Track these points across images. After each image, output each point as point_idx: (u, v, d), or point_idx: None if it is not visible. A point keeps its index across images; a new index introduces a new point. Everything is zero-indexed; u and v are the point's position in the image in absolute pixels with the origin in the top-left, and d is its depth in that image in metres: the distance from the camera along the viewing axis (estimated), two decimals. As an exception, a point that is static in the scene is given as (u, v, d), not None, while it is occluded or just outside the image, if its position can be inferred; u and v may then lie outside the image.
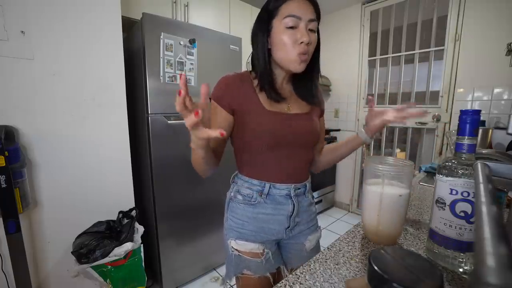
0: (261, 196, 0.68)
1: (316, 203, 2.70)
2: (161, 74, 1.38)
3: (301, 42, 0.60)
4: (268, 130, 0.65)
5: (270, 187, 0.68)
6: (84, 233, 1.20)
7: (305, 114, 0.72)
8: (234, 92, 0.66)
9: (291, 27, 0.60)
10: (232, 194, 0.73)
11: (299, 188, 0.72)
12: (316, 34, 0.64)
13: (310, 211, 0.77)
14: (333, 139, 2.77)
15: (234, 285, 0.76)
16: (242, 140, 0.69)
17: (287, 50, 0.61)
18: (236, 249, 0.70)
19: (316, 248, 0.80)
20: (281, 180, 0.69)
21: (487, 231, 0.21)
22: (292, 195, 0.70)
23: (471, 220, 0.43)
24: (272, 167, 0.68)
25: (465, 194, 0.43)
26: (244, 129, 0.67)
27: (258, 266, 0.69)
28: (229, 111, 0.66)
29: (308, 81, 0.72)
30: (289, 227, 0.72)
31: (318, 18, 0.64)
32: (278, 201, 0.69)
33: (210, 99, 0.68)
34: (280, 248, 0.77)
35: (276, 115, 0.67)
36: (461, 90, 2.00)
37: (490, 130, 1.41)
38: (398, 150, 2.63)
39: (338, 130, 2.79)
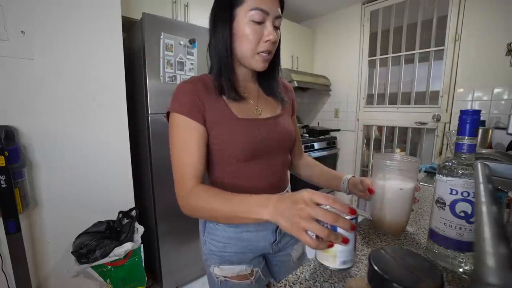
0: None
1: (316, 203, 2.69)
2: (161, 74, 1.38)
3: (267, 41, 0.55)
4: (244, 141, 0.58)
5: None
6: (84, 233, 1.20)
7: (277, 117, 0.66)
8: (202, 100, 0.57)
9: (258, 22, 0.54)
10: None
11: None
12: (279, 31, 0.60)
13: None
14: (333, 139, 2.77)
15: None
16: (214, 153, 0.61)
17: (250, 46, 0.56)
18: (221, 275, 0.63)
19: (303, 256, 0.76)
20: (263, 191, 0.61)
21: (487, 231, 0.21)
22: None
23: (471, 220, 0.43)
24: (252, 179, 0.62)
25: (465, 194, 0.43)
26: (216, 141, 0.59)
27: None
28: (203, 122, 0.58)
29: (272, 78, 0.67)
30: (275, 241, 0.66)
31: (281, 13, 0.59)
32: None
33: (167, 114, 0.61)
34: (267, 262, 0.73)
35: (249, 123, 0.60)
36: (461, 90, 2.00)
37: (490, 130, 1.41)
38: (398, 150, 2.63)
39: (338, 130, 2.79)
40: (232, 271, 0.63)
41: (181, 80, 1.46)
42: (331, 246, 0.40)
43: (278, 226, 0.63)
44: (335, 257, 0.43)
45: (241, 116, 0.60)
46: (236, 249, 0.63)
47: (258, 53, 0.57)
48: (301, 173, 0.82)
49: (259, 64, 0.58)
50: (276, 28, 0.58)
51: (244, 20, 0.54)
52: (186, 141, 0.57)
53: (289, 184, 0.74)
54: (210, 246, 0.64)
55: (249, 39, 0.55)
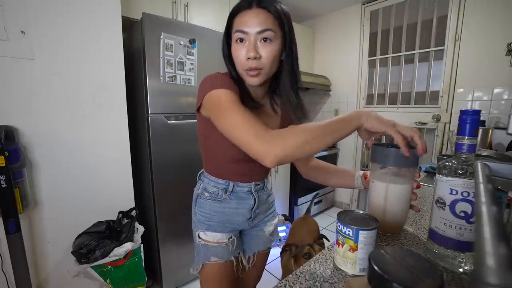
0: (225, 193, 0.74)
1: (316, 203, 2.69)
2: (161, 74, 1.38)
3: (248, 58, 0.59)
4: (239, 149, 0.60)
5: (234, 186, 0.74)
6: (84, 233, 1.20)
7: None
8: (236, 89, 0.62)
9: (241, 42, 0.60)
10: (199, 191, 0.78)
11: (258, 184, 0.78)
12: (273, 43, 0.59)
13: (268, 202, 0.84)
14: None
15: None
16: (211, 146, 0.71)
17: (238, 65, 0.62)
18: (204, 239, 0.76)
19: (275, 233, 0.89)
20: (244, 180, 0.75)
21: (487, 231, 0.21)
22: (252, 191, 0.76)
23: (471, 220, 0.43)
24: (237, 172, 0.73)
25: (465, 194, 0.43)
26: (219, 137, 0.62)
27: (224, 251, 0.75)
28: None
29: (279, 92, 0.69)
30: (250, 217, 0.78)
31: (280, 23, 0.60)
32: (241, 197, 0.76)
33: (200, 108, 0.63)
34: (242, 236, 0.85)
35: None
36: (461, 90, 2.00)
37: (490, 130, 1.41)
38: (398, 150, 2.62)
39: (338, 130, 2.79)
40: (213, 237, 0.76)
41: (181, 80, 1.46)
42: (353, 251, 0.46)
43: (253, 206, 0.76)
44: (354, 264, 0.45)
45: None
46: (218, 220, 0.76)
47: (246, 70, 0.61)
48: (316, 176, 0.83)
49: (249, 79, 0.62)
50: (269, 40, 0.59)
51: (233, 43, 0.62)
52: (240, 104, 0.57)
53: (268, 174, 0.83)
54: (199, 216, 0.77)
55: (236, 59, 0.62)
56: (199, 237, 0.77)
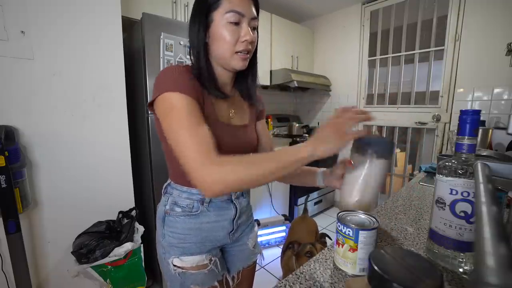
0: (203, 204, 0.65)
1: (316, 203, 2.69)
2: (161, 74, 1.38)
3: (244, 40, 0.57)
4: (217, 144, 0.55)
5: None
6: (84, 233, 1.20)
7: (245, 126, 0.70)
8: (196, 87, 0.57)
9: (234, 23, 0.56)
10: (167, 207, 0.66)
11: None
12: (255, 32, 0.61)
13: (248, 210, 0.77)
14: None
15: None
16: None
17: (228, 47, 0.57)
18: (180, 266, 0.64)
19: (256, 244, 0.81)
20: None
21: (487, 231, 0.21)
22: (233, 198, 0.69)
23: (471, 220, 0.43)
24: None
25: (465, 194, 0.43)
26: None
27: (205, 277, 0.66)
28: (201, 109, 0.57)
29: (250, 79, 0.69)
30: (232, 230, 0.70)
31: (257, 15, 0.61)
32: (220, 206, 0.67)
33: (151, 103, 0.56)
34: (224, 254, 0.76)
35: (224, 128, 0.62)
36: (461, 90, 2.00)
37: (490, 130, 1.41)
38: (398, 150, 2.63)
39: (338, 130, 2.79)
40: (191, 261, 0.64)
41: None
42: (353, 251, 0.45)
43: (235, 216, 0.69)
44: (354, 264, 0.45)
45: (221, 120, 0.63)
46: (195, 240, 0.65)
47: (236, 53, 0.58)
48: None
49: (238, 62, 0.59)
50: (253, 29, 0.60)
51: (221, 23, 0.56)
52: (195, 116, 0.53)
53: None
54: (170, 239, 0.65)
55: (226, 40, 0.57)
56: (173, 265, 0.64)
